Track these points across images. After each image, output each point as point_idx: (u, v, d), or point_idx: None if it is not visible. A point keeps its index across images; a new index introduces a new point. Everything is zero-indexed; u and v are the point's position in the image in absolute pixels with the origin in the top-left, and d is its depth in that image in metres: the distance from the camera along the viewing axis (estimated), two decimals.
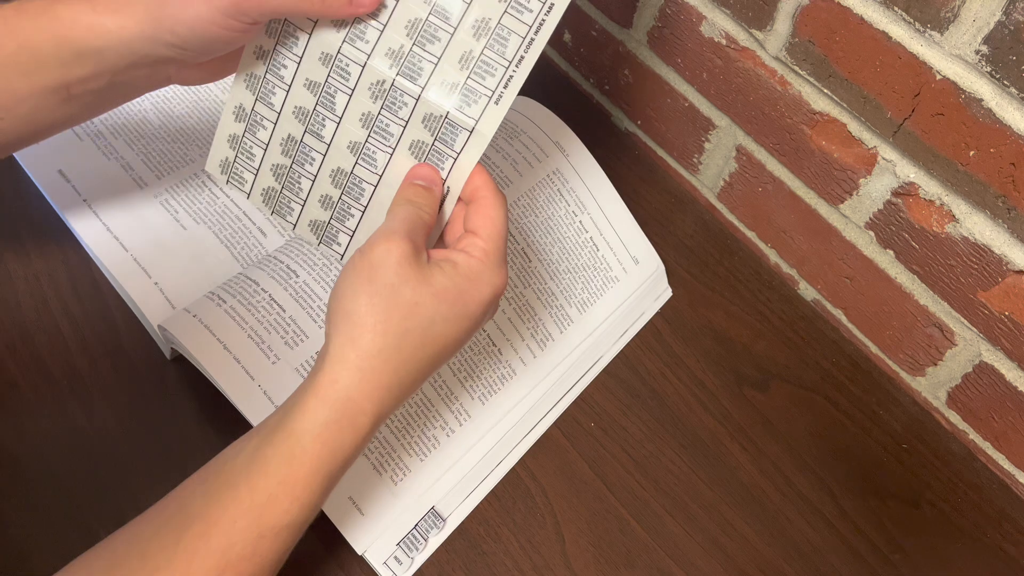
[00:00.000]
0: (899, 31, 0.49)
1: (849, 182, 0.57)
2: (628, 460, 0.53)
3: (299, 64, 0.42)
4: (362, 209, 0.44)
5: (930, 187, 0.53)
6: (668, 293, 0.63)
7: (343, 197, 0.44)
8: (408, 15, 0.40)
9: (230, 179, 0.46)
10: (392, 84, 0.41)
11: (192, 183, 0.57)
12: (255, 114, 0.44)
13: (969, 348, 0.56)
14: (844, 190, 0.58)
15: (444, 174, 0.42)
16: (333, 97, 0.42)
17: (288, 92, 0.42)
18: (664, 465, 0.54)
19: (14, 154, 0.55)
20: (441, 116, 0.41)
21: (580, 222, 0.57)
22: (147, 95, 0.59)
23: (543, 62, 0.77)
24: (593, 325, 0.57)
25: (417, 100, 0.41)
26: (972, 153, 0.49)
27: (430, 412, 0.49)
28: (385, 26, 0.40)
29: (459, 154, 0.41)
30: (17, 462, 0.45)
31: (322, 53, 0.41)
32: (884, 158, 0.54)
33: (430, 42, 0.40)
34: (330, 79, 0.41)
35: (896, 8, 0.49)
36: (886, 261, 0.58)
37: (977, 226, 0.51)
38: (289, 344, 0.46)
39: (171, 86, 0.49)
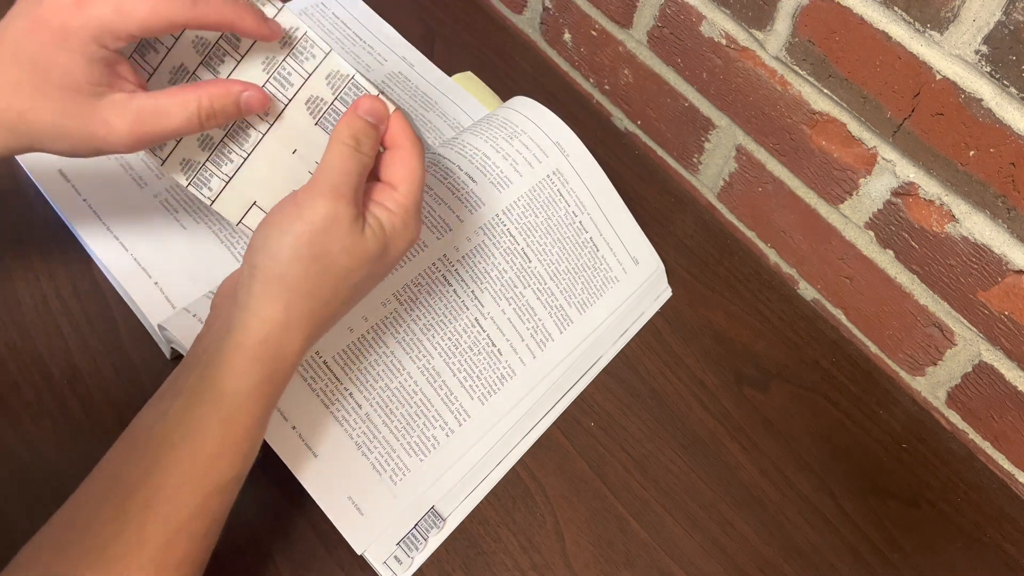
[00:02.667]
0: (899, 31, 0.49)
1: (849, 182, 0.57)
2: (628, 460, 0.53)
3: None
4: (244, 155, 0.41)
5: (930, 187, 0.53)
6: (668, 293, 0.63)
7: (225, 139, 0.41)
8: None
9: None
10: (304, 34, 0.39)
11: None
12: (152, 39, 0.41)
13: (969, 348, 0.56)
14: (844, 190, 0.58)
15: None
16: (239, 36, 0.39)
17: None
18: (664, 465, 0.54)
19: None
20: (347, 76, 0.40)
21: (580, 222, 0.57)
22: None
23: (543, 62, 0.78)
24: (593, 325, 0.57)
25: (327, 55, 0.40)
26: (972, 153, 0.49)
27: (430, 412, 0.49)
28: None
29: None
30: (17, 462, 0.45)
31: None
32: (884, 158, 0.54)
33: None
34: None
35: (896, 8, 0.49)
36: (886, 261, 0.58)
37: (977, 226, 0.51)
38: None
39: None
